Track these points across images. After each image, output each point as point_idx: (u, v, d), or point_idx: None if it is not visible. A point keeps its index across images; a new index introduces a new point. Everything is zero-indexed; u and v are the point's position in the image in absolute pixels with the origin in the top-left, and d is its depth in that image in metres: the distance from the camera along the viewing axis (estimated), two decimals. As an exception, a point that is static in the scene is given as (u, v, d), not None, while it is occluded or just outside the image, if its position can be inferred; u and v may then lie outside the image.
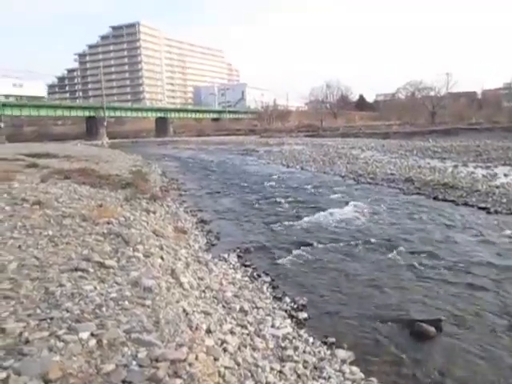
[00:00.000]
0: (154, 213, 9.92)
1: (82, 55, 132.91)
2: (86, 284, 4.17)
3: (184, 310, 4.24)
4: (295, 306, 5.65)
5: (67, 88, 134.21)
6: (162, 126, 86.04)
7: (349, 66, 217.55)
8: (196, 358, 3.13)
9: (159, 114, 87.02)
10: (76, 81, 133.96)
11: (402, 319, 5.26)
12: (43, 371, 2.57)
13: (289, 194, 14.44)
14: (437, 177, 16.33)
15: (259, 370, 3.70)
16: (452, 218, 10.33)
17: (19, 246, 5.24)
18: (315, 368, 4.09)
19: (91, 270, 4.62)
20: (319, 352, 4.44)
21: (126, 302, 3.87)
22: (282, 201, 13.27)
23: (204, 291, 5.47)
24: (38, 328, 3.16)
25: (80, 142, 59.66)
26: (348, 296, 6.06)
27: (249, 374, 3.56)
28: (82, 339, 3.03)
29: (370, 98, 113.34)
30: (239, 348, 4.01)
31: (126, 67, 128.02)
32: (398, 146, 34.88)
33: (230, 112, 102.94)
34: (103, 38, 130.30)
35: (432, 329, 4.90)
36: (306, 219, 10.58)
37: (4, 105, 60.60)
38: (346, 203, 12.44)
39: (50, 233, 6.00)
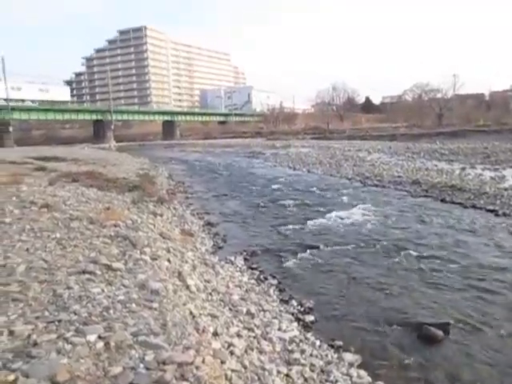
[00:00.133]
0: (161, 215, 9.96)
1: (89, 59, 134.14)
2: (93, 287, 4.18)
3: (191, 313, 4.24)
4: (302, 309, 5.63)
5: (75, 92, 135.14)
6: (168, 129, 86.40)
7: (355, 68, 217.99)
8: (203, 361, 3.13)
9: (166, 117, 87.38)
10: (83, 84, 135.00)
11: (409, 322, 5.22)
12: (51, 373, 2.59)
13: (295, 197, 14.42)
14: (444, 179, 16.23)
15: (266, 373, 3.69)
16: (460, 221, 10.25)
17: (27, 249, 5.28)
18: (322, 371, 4.07)
19: (99, 273, 4.64)
20: (326, 355, 4.41)
21: (134, 305, 3.89)
22: (289, 203, 13.26)
23: (211, 294, 5.47)
24: (46, 330, 3.17)
25: (87, 145, 60.04)
26: (355, 299, 6.04)
27: (256, 378, 3.56)
28: (89, 342, 3.04)
29: (376, 100, 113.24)
30: (246, 351, 4.01)
31: (133, 71, 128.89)
32: (404, 148, 34.74)
33: (236, 115, 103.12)
34: (110, 42, 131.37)
35: (440, 332, 4.85)
36: (312, 222, 10.56)
37: (13, 109, 61.19)
38: (353, 206, 12.41)
39: (58, 235, 6.03)
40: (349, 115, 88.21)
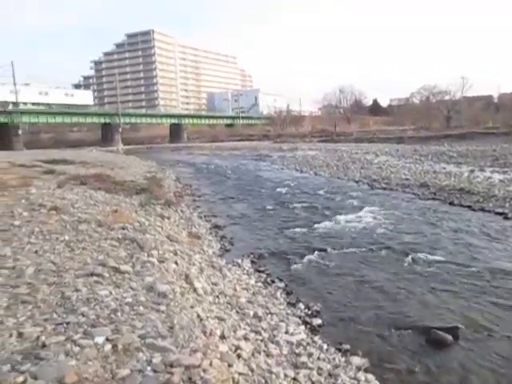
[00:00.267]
0: (169, 218, 9.99)
1: (97, 63, 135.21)
2: (101, 289, 4.20)
3: (198, 316, 4.25)
4: (309, 312, 5.61)
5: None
6: (176, 132, 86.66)
7: (362, 70, 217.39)
8: (210, 364, 3.13)
9: (173, 120, 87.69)
10: (92, 88, 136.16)
11: (417, 326, 5.18)
12: (59, 375, 2.60)
13: (302, 200, 14.39)
14: (452, 182, 16.12)
15: (273, 376, 3.68)
16: (469, 224, 10.17)
17: (36, 251, 5.32)
18: (330, 375, 4.05)
19: (106, 275, 4.67)
20: (334, 359, 4.39)
21: (141, 307, 3.90)
22: (296, 206, 13.24)
23: (218, 297, 5.48)
24: (54, 332, 3.19)
25: (95, 148, 60.39)
26: (363, 302, 6.00)
27: (263, 381, 3.55)
28: (97, 344, 3.05)
29: (383, 103, 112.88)
30: (253, 354, 4.00)
31: (141, 74, 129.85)
32: (412, 150, 34.56)
33: (243, 118, 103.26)
34: (118, 45, 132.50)
35: (449, 337, 4.80)
36: (319, 225, 10.53)
37: (22, 112, 61.86)
38: (361, 209, 12.36)
39: (67, 238, 6.07)
40: (356, 118, 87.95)
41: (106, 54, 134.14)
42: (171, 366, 2.92)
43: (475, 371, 4.28)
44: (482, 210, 11.65)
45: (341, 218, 11.21)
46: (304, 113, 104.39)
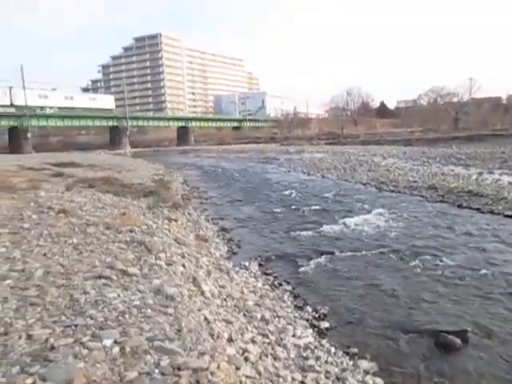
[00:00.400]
0: (176, 221, 10.01)
1: (105, 66, 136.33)
2: (109, 291, 4.22)
3: (205, 319, 4.25)
4: (317, 316, 5.59)
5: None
6: (183, 134, 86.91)
7: (370, 72, 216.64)
8: (218, 367, 3.13)
9: (180, 123, 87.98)
10: (100, 91, 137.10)
11: (426, 330, 5.14)
12: (68, 378, 2.61)
13: (310, 202, 14.37)
14: (461, 184, 16.00)
15: (281, 379, 3.67)
16: (478, 227, 10.08)
17: (45, 254, 5.36)
18: (337, 379, 4.03)
19: (114, 278, 4.69)
20: (341, 362, 4.37)
21: (149, 310, 3.91)
22: (303, 209, 13.21)
23: (225, 299, 5.48)
24: (63, 335, 3.21)
25: (103, 151, 60.74)
26: (370, 305, 5.97)
27: (270, 384, 3.54)
28: (105, 346, 3.07)
29: (391, 105, 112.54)
30: (260, 357, 3.99)
31: (149, 77, 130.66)
32: (420, 152, 34.40)
33: (250, 120, 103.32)
34: (126, 49, 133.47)
35: (458, 340, 4.76)
36: (327, 227, 10.50)
37: (31, 116, 62.48)
38: (369, 211, 12.31)
39: (75, 241, 6.12)
40: (363, 120, 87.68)
41: (114, 58, 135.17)
42: (179, 368, 2.93)
43: (484, 376, 4.24)
44: (491, 212, 11.55)
45: (349, 220, 11.17)
46: (311, 115, 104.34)
